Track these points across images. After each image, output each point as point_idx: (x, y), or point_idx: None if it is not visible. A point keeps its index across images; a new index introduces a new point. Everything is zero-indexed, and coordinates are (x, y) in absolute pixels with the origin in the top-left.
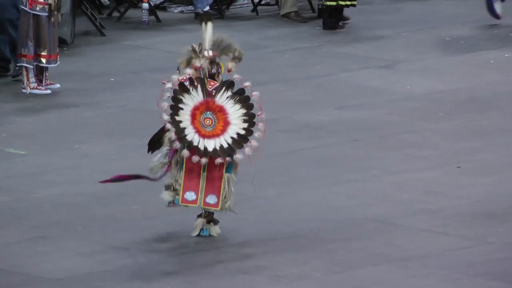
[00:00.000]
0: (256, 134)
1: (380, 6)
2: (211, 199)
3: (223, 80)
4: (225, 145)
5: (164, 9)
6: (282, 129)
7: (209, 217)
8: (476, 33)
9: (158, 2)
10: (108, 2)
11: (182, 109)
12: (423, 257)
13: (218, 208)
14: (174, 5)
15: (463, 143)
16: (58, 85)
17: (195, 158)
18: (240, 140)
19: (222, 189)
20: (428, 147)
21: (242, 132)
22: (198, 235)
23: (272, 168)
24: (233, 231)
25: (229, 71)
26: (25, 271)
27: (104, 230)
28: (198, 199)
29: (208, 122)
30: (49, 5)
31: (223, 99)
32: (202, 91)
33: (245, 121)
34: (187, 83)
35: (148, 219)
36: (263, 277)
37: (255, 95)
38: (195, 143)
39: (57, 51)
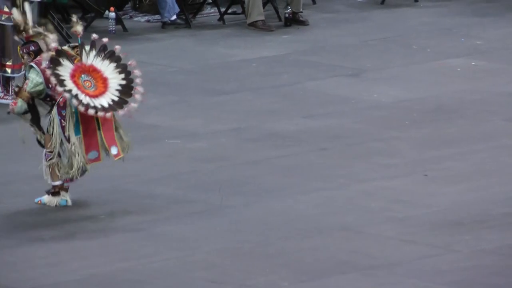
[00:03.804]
0: (137, 80)
1: (347, 15)
2: (114, 150)
3: (79, 43)
4: (116, 99)
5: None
6: (249, 138)
7: (64, 188)
8: (442, 41)
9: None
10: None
11: (64, 80)
12: (391, 265)
13: (123, 155)
14: (141, 14)
15: (430, 152)
16: None
17: (92, 111)
18: (127, 90)
19: (117, 140)
20: (395, 156)
21: (124, 82)
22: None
23: (239, 177)
24: (200, 239)
25: (78, 34)
26: None
27: (72, 239)
28: (101, 155)
29: (87, 84)
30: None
31: (90, 59)
32: (68, 59)
33: (120, 72)
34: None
35: (115, 228)
36: (231, 286)
37: (117, 49)
38: (92, 104)
39: (22, 60)
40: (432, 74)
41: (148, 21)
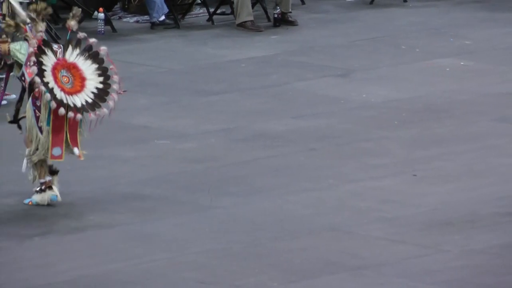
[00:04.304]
0: (114, 86)
1: (335, 15)
2: (76, 151)
3: (68, 38)
4: (90, 100)
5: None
6: (238, 139)
7: (51, 184)
8: (431, 41)
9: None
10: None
11: (45, 70)
12: (380, 265)
13: (82, 158)
14: (130, 15)
15: (419, 151)
16: (14, 96)
17: (70, 114)
18: (102, 94)
19: (79, 140)
20: (384, 156)
21: (101, 86)
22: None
23: (228, 178)
24: (190, 240)
25: (70, 29)
26: None
27: (61, 240)
28: (63, 154)
29: (65, 79)
30: (3, 15)
31: (73, 56)
32: (52, 51)
33: (99, 75)
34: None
35: (104, 229)
36: (220, 287)
37: (103, 50)
38: (65, 101)
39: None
40: (421, 74)
41: (137, 21)
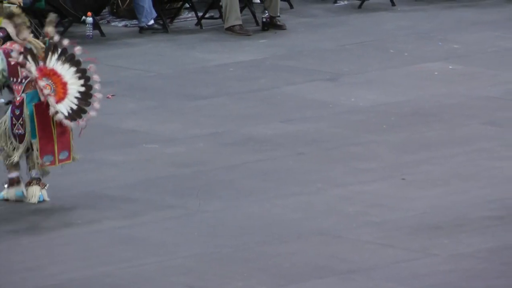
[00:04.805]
0: (96, 86)
1: (324, 19)
2: (63, 155)
3: (47, 45)
4: (75, 107)
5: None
6: (227, 143)
7: (39, 182)
8: (419, 45)
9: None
10: None
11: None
12: (369, 269)
13: (71, 161)
14: (118, 19)
15: (408, 156)
16: (2, 100)
17: (61, 116)
18: (85, 97)
19: (71, 143)
20: (373, 160)
21: (82, 89)
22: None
23: (217, 182)
24: (178, 244)
25: (48, 36)
26: None
27: (50, 244)
28: (56, 160)
29: (48, 88)
30: None
31: (52, 62)
32: (33, 60)
33: (79, 78)
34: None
35: (94, 233)
36: None
37: (77, 50)
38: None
39: None
40: (410, 78)
41: (126, 26)
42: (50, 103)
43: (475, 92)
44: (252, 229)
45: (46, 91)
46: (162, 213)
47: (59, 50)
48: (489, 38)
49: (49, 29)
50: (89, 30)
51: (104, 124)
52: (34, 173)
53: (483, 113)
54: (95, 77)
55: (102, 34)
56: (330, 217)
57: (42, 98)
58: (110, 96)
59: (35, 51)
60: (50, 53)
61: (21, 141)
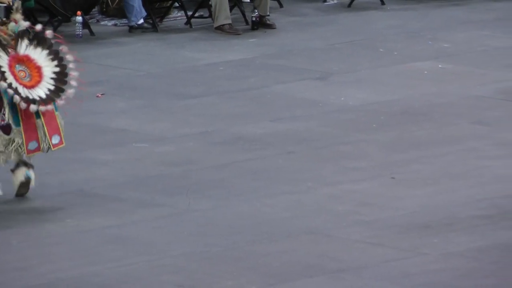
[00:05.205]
0: (70, 65)
1: (314, 18)
2: (55, 139)
3: (16, 32)
4: (52, 88)
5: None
6: (216, 142)
7: (26, 162)
8: (409, 44)
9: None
10: None
11: (5, 72)
12: (359, 268)
13: (64, 144)
14: (108, 18)
15: (397, 155)
16: None
17: (34, 107)
18: (61, 77)
19: (60, 127)
20: (363, 159)
21: (57, 69)
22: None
23: (207, 181)
24: (168, 243)
25: (16, 21)
26: None
27: (39, 243)
28: (41, 146)
29: (22, 74)
30: None
31: (23, 48)
32: (3, 49)
33: (53, 59)
34: None
35: (83, 232)
36: None
37: (49, 33)
38: (31, 97)
39: None
40: (399, 77)
41: (115, 25)
42: (17, 93)
43: (465, 91)
44: (242, 228)
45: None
46: (151, 212)
47: (30, 35)
48: (479, 37)
49: (17, 16)
50: (78, 29)
51: (94, 123)
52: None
53: (473, 112)
54: (69, 57)
55: (91, 33)
56: (320, 216)
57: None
58: (99, 95)
59: (4, 41)
60: (20, 40)
61: (8, 133)
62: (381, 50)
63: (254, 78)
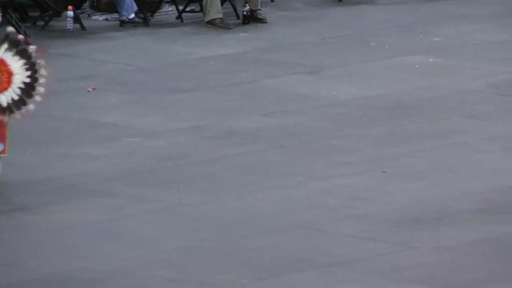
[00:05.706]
0: (40, 80)
1: (305, 12)
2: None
3: None
4: (16, 98)
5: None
6: (208, 136)
7: None
8: (400, 38)
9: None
10: None
11: None
12: (350, 262)
13: (5, 154)
14: (99, 13)
15: (389, 149)
16: None
17: None
18: (28, 89)
19: (7, 136)
20: (354, 153)
21: (28, 80)
22: None
23: (198, 175)
24: (159, 238)
25: None
26: None
27: (29, 239)
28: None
29: None
30: None
31: (1, 52)
32: None
33: (27, 69)
34: None
35: (74, 227)
36: (190, 285)
37: (32, 49)
38: None
39: None
40: (391, 71)
41: (106, 19)
42: None
43: (456, 85)
44: (233, 223)
45: None
46: (143, 207)
47: (10, 41)
48: (470, 31)
49: None
50: (69, 24)
51: (85, 118)
52: None
53: (464, 106)
54: (43, 71)
55: (82, 28)
56: (311, 210)
57: None
58: (90, 90)
59: None
60: (1, 44)
61: None
62: (372, 44)
63: (245, 72)
